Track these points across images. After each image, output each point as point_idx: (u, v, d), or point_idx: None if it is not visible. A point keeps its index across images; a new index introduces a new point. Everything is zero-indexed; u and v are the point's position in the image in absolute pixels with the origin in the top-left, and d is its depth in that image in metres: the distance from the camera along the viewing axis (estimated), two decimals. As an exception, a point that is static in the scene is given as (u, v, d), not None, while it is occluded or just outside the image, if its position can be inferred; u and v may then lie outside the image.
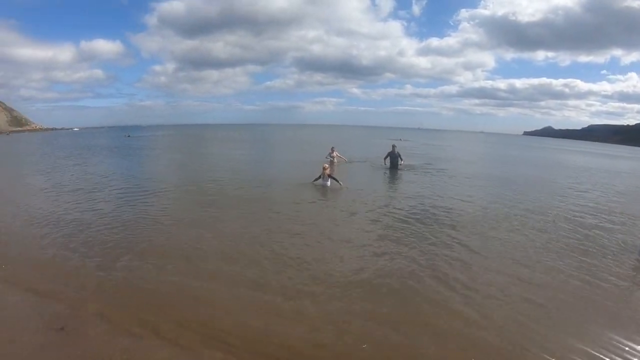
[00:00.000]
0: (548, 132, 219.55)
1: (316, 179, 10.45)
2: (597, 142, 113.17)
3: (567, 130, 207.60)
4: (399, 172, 14.94)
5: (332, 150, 16.68)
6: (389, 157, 15.64)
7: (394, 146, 15.99)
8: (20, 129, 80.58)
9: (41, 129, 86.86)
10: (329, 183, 10.22)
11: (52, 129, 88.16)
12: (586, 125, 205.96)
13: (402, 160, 15.62)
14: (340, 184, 10.04)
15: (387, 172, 14.96)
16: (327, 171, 10.38)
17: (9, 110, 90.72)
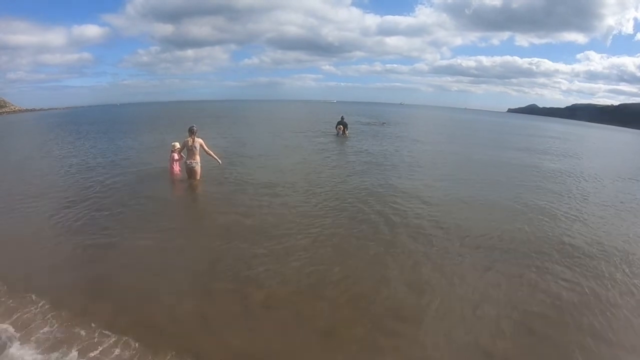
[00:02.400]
0: (532, 110, 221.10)
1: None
2: (590, 122, 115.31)
3: (552, 109, 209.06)
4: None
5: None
6: (338, 125, 18.79)
7: (342, 117, 19.81)
8: (-4, 110, 78.56)
9: (20, 111, 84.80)
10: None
11: (31, 110, 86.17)
12: (570, 105, 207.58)
13: (347, 129, 18.76)
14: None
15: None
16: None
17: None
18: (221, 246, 5.05)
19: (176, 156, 8.38)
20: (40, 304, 3.66)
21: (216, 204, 7.02)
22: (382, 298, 3.90)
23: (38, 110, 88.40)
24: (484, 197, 7.92)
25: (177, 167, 8.46)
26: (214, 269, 4.47)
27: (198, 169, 8.13)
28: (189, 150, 8.00)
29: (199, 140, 8.00)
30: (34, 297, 3.76)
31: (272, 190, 7.80)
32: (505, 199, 7.93)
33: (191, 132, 7.98)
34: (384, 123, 29.58)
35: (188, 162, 8.07)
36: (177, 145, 8.41)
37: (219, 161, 8.37)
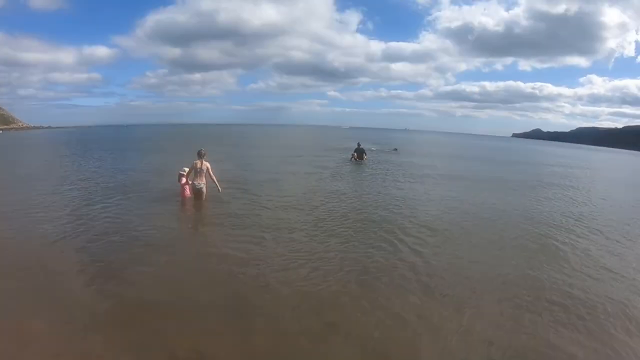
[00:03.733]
0: (537, 135, 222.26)
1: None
2: (595, 145, 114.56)
3: (557, 133, 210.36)
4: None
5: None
6: (356, 153, 18.19)
7: (358, 143, 19.24)
8: (5, 127, 79.14)
9: (27, 128, 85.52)
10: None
11: (39, 127, 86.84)
12: (574, 128, 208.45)
13: (366, 155, 18.52)
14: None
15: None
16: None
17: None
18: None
19: (183, 180, 8.54)
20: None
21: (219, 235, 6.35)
22: None
23: (46, 127, 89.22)
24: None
25: (187, 191, 8.55)
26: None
27: (204, 190, 8.41)
28: (196, 172, 8.30)
29: (206, 164, 8.29)
30: None
31: (276, 223, 7.00)
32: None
33: (200, 155, 8.30)
34: (395, 149, 28.00)
35: (196, 182, 8.34)
36: (186, 169, 8.56)
37: (220, 188, 8.49)
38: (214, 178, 8.34)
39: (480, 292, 4.37)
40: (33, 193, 8.96)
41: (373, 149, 26.57)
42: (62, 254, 5.20)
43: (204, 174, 8.25)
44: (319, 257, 5.29)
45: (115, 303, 3.85)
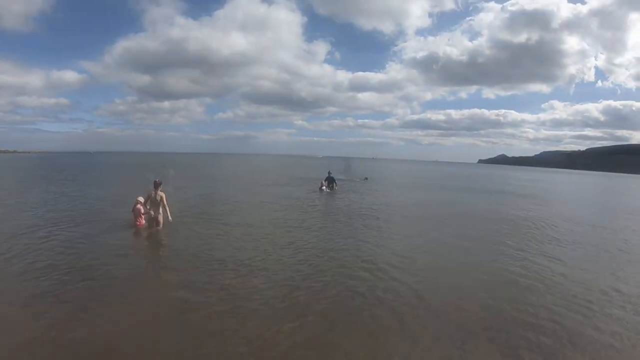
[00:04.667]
0: (502, 160, 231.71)
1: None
2: (558, 168, 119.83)
3: (521, 158, 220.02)
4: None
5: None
6: (326, 181, 18.82)
7: (329, 172, 19.72)
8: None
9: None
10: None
11: (3, 151, 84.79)
12: (538, 153, 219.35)
13: (336, 185, 19.11)
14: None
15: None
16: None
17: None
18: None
19: (142, 209, 8.87)
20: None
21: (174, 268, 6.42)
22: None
23: (12, 152, 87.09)
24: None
25: (141, 220, 8.85)
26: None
27: (161, 219, 8.77)
28: (152, 201, 8.73)
29: (160, 194, 8.73)
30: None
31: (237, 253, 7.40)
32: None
33: (155, 185, 8.75)
34: (366, 178, 27.88)
35: (152, 212, 8.75)
36: (141, 199, 8.97)
37: (170, 218, 8.80)
38: (166, 208, 8.74)
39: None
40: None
41: (344, 178, 26.19)
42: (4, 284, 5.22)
43: (159, 204, 8.67)
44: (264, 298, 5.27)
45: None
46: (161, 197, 8.71)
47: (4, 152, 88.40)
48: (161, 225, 8.75)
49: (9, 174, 27.15)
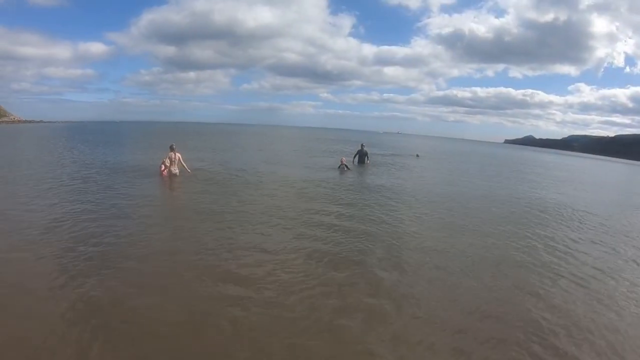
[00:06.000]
0: (529, 141, 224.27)
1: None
2: (585, 153, 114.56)
3: (548, 140, 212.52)
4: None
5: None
6: (357, 155, 16.82)
7: (362, 145, 17.41)
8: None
9: (19, 121, 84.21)
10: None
11: (31, 121, 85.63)
12: (566, 136, 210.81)
13: (368, 159, 17.09)
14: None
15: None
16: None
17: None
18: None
19: (163, 167, 11.40)
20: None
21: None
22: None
23: (38, 122, 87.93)
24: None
25: (164, 172, 11.37)
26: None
27: (177, 173, 11.50)
28: (171, 161, 11.36)
29: (177, 155, 11.52)
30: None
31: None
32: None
33: (171, 149, 11.47)
34: (417, 155, 25.81)
35: (172, 169, 11.41)
36: (166, 159, 11.48)
37: (189, 170, 11.67)
38: (184, 165, 11.60)
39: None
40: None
41: (387, 153, 25.42)
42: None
43: (176, 162, 11.40)
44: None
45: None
46: (178, 157, 11.46)
47: (31, 121, 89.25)
48: (178, 174, 11.41)
49: (43, 142, 26.46)
